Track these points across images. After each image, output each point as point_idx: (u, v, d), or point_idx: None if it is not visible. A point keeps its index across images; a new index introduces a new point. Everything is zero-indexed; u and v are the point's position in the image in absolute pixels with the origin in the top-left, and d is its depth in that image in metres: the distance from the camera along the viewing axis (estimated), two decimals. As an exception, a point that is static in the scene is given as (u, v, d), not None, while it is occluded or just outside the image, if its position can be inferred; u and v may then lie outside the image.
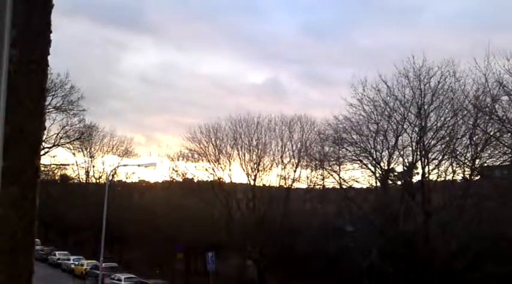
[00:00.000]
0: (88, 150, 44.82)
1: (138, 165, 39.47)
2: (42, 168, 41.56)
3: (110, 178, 40.04)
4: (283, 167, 44.55)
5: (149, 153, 47.55)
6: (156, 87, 69.05)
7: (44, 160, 41.48)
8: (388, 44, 61.07)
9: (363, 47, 62.64)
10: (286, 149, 44.75)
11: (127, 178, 47.64)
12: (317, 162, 41.74)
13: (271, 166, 45.01)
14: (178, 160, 46.17)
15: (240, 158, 44.97)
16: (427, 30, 59.02)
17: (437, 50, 48.00)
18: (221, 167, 45.10)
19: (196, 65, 71.02)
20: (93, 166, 45.42)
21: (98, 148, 45.31)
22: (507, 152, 31.00)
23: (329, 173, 41.21)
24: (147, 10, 66.60)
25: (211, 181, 45.34)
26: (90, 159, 45.18)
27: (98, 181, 45.17)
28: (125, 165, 43.86)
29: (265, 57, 69.16)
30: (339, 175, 40.29)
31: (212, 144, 45.34)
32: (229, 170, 45.16)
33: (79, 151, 44.46)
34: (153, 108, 65.65)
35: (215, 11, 68.23)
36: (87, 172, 45.41)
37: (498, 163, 32.80)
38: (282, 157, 44.64)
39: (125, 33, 70.35)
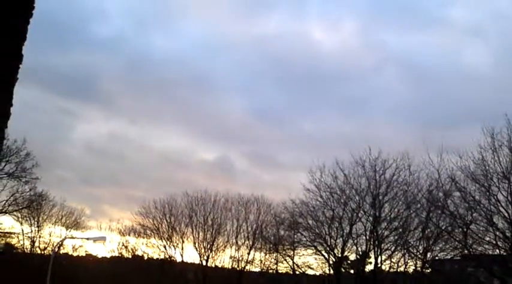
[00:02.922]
0: (36, 219, 43.08)
1: (87, 239, 38.06)
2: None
3: (56, 250, 38.31)
4: (237, 248, 43.86)
5: (99, 227, 46.08)
6: (104, 158, 68.37)
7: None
8: (333, 132, 63.51)
9: (308, 132, 64.87)
10: (241, 230, 44.29)
11: (74, 251, 45.73)
12: (271, 245, 41.34)
13: (225, 247, 44.23)
14: (129, 235, 44.92)
15: (193, 237, 44.10)
16: (371, 120, 61.78)
17: (384, 141, 49.97)
18: (173, 245, 43.98)
19: (145, 138, 71.24)
20: (40, 237, 43.45)
21: (46, 218, 43.63)
22: (458, 247, 31.55)
23: (283, 257, 40.77)
24: (98, 80, 67.34)
25: (161, 259, 43.96)
26: (37, 229, 43.31)
27: (43, 252, 43.03)
28: (72, 238, 42.23)
29: (215, 134, 70.33)
30: (293, 260, 39.94)
31: (166, 221, 44.47)
32: (182, 249, 44.05)
33: (26, 219, 42.71)
34: (100, 179, 64.38)
35: (167, 86, 69.75)
36: (32, 243, 43.30)
37: (449, 257, 33.25)
38: (236, 238, 44.06)
39: (74, 102, 70.37)
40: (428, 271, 34.64)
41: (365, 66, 67.66)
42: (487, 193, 28.42)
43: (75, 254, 46.19)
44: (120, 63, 73.10)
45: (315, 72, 67.86)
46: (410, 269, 35.43)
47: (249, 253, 43.64)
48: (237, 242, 43.94)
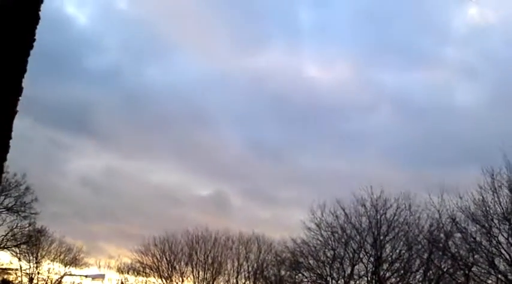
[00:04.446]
0: (34, 255, 42.76)
1: (86, 276, 37.74)
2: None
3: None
4: (237, 288, 43.27)
5: (98, 264, 45.66)
6: (99, 192, 68.11)
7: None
8: (330, 168, 63.56)
9: (305, 168, 64.89)
10: (242, 269, 43.79)
11: (72, 288, 45.19)
12: (272, 286, 40.80)
13: (225, 286, 43.66)
14: (128, 273, 44.43)
15: (193, 276, 43.60)
16: (369, 158, 61.92)
17: (383, 179, 50.05)
18: (173, 284, 43.46)
19: (141, 172, 71.10)
20: (38, 273, 43.03)
21: (44, 254, 43.31)
22: (460, 289, 31.12)
23: (284, 298, 40.14)
24: (93, 114, 67.76)
25: (161, 298, 43.42)
26: (35, 265, 42.93)
27: (40, 289, 42.64)
28: (71, 275, 41.80)
29: (211, 170, 70.05)
30: (293, 301, 39.26)
31: (166, 259, 44.06)
32: (181, 288, 43.49)
33: (25, 255, 42.40)
34: (95, 214, 63.93)
35: (162, 120, 70.19)
36: (31, 279, 42.85)
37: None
38: (237, 278, 43.52)
39: (69, 135, 70.43)
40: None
41: (361, 104, 68.10)
42: (488, 235, 28.23)
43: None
44: (116, 96, 73.56)
45: (312, 109, 68.25)
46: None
47: (249, 294, 43.08)
48: (237, 282, 43.44)
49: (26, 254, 42.82)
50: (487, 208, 28.38)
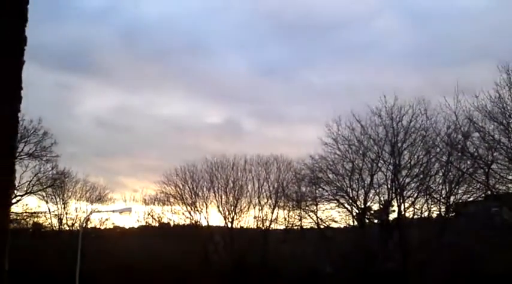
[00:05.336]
0: (61, 197, 43.84)
1: (113, 211, 38.67)
2: (15, 217, 40.57)
3: (84, 225, 39.10)
4: (260, 208, 44.29)
5: (124, 198, 46.80)
6: (112, 130, 68.71)
7: (16, 208, 40.48)
8: (339, 81, 62.85)
9: (314, 84, 64.31)
10: (263, 190, 44.59)
11: (101, 224, 46.61)
12: (294, 203, 41.64)
13: (249, 207, 44.70)
14: (153, 204, 45.56)
15: (216, 200, 44.60)
16: (378, 67, 60.94)
17: (395, 87, 49.33)
18: (197, 210, 44.59)
19: (149, 106, 71.16)
20: (66, 214, 44.27)
21: (70, 194, 44.36)
22: (480, 188, 31.48)
23: (306, 213, 41.13)
24: (96, 53, 66.80)
25: (187, 225, 44.70)
26: (63, 206, 44.12)
27: (71, 228, 43.98)
28: (98, 212, 42.95)
29: (220, 97, 69.86)
30: (316, 215, 40.27)
31: (188, 187, 44.93)
32: (206, 213, 44.67)
33: (51, 198, 43.48)
34: (112, 151, 64.86)
35: (164, 52, 69.09)
36: (60, 220, 44.21)
37: (472, 199, 33.22)
38: (259, 198, 44.45)
39: (74, 76, 70.01)
40: (453, 215, 34.70)
41: (365, 10, 66.23)
42: (506, 131, 28.12)
43: (102, 227, 47.12)
44: (114, 32, 72.49)
45: (313, 22, 66.58)
46: (434, 215, 35.53)
47: (272, 212, 44.06)
48: (259, 202, 44.35)
49: (53, 197, 43.87)
50: (504, 105, 28.10)
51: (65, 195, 44.03)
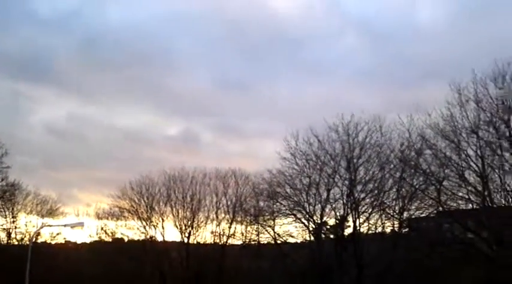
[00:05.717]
0: (10, 210, 42.25)
1: (64, 226, 37.47)
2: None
3: (34, 239, 37.75)
4: (217, 223, 43.84)
5: (76, 212, 45.44)
6: (65, 140, 67.22)
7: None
8: (298, 97, 63.63)
9: (273, 99, 64.95)
10: (221, 204, 44.19)
11: (52, 239, 45.14)
12: (252, 217, 41.37)
13: (206, 222, 44.18)
14: (107, 219, 44.42)
15: (173, 215, 43.88)
16: (336, 85, 62.14)
17: (352, 105, 50.28)
18: (153, 225, 43.72)
19: (106, 117, 69.96)
20: (16, 228, 42.69)
21: (20, 208, 42.81)
22: (432, 204, 31.92)
23: (264, 228, 40.86)
24: (51, 60, 65.60)
25: (142, 240, 43.76)
26: (12, 220, 42.52)
27: (20, 243, 42.39)
28: (49, 226, 41.48)
29: (178, 108, 69.63)
30: (273, 230, 40.08)
31: (144, 201, 44.06)
32: (162, 228, 43.84)
33: (0, 211, 41.89)
34: (64, 162, 62.99)
35: (123, 62, 68.42)
36: (8, 234, 42.58)
37: (425, 215, 33.65)
38: (216, 213, 43.98)
39: (28, 84, 68.42)
40: (406, 230, 35.08)
41: (325, 31, 67.34)
42: (457, 149, 28.72)
43: (53, 242, 45.65)
44: (75, 39, 71.38)
45: (274, 38, 67.32)
46: (388, 230, 35.86)
47: (230, 227, 43.71)
48: (217, 217, 43.95)
49: (2, 210, 42.30)
50: (455, 123, 28.78)
51: (15, 208, 42.51)
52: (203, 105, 68.77)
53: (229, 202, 44.24)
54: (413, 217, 34.04)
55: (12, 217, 42.51)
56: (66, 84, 70.63)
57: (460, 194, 29.18)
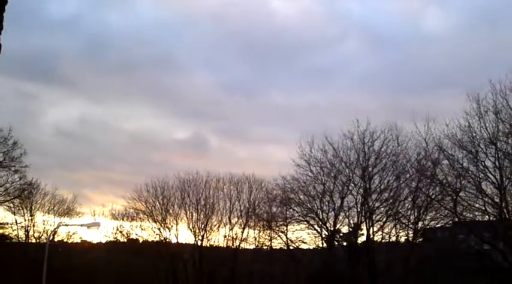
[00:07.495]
0: (28, 209, 42.94)
1: (81, 225, 37.94)
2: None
3: (51, 238, 38.31)
4: (231, 227, 44.07)
5: (92, 213, 46.02)
6: (75, 141, 67.99)
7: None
8: (302, 102, 63.56)
9: (277, 104, 64.93)
10: (234, 209, 44.42)
11: (69, 238, 45.70)
12: (265, 223, 41.50)
13: (219, 226, 44.44)
14: (123, 220, 44.91)
15: (187, 218, 44.23)
16: (341, 90, 61.95)
17: (355, 109, 50.17)
18: (167, 227, 44.11)
19: (113, 119, 70.56)
20: (33, 226, 43.37)
21: (38, 207, 43.47)
22: (448, 215, 31.80)
23: (276, 234, 41.02)
24: (61, 63, 66.34)
25: (157, 241, 44.15)
26: (30, 218, 43.20)
27: (38, 241, 43.06)
28: (66, 225, 42.11)
29: (185, 112, 70.04)
30: (286, 235, 40.20)
31: (159, 203, 44.49)
32: (176, 230, 44.22)
33: (19, 209, 42.58)
34: (75, 163, 63.71)
35: (132, 65, 68.97)
36: (26, 232, 43.27)
37: (440, 225, 33.55)
38: (229, 217, 44.22)
39: (38, 86, 69.26)
40: (420, 240, 34.97)
41: (329, 36, 67.25)
42: (475, 160, 28.53)
43: (70, 241, 46.21)
44: (79, 43, 72.05)
45: (277, 43, 67.30)
46: (402, 239, 35.76)
47: (242, 231, 43.92)
48: (230, 221, 44.14)
49: (20, 208, 42.98)
50: (473, 134, 28.54)
51: (33, 207, 43.17)
52: (211, 109, 69.10)
53: (242, 207, 44.52)
54: (428, 227, 33.94)
55: (30, 215, 43.19)
56: (73, 86, 71.48)
57: (477, 205, 28.99)
